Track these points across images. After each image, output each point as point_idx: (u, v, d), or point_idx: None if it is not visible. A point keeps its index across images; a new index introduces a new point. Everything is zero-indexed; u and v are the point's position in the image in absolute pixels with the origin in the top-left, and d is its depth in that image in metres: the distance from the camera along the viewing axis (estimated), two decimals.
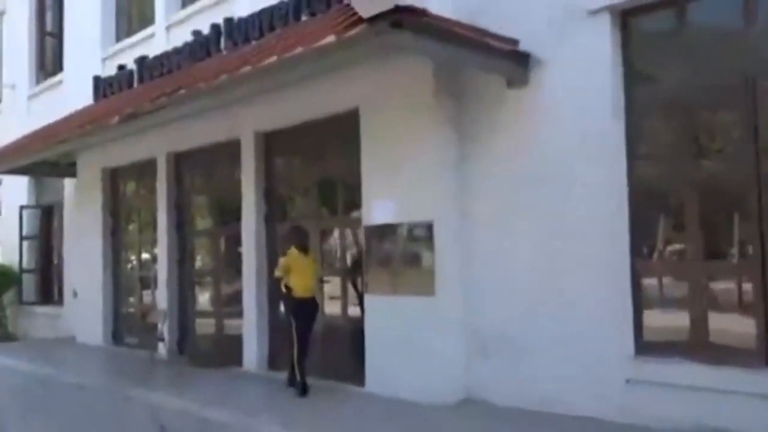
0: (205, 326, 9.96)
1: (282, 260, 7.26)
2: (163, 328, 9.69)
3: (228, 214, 9.67)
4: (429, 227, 6.64)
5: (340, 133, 7.78)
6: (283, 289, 7.15)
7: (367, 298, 7.22)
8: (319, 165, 8.35)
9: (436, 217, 6.64)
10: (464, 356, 6.60)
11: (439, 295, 6.58)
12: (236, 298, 9.20)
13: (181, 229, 10.35)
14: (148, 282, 11.25)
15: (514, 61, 6.23)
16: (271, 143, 8.76)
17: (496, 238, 6.49)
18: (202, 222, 10.43)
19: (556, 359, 5.97)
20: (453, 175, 6.72)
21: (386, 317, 6.98)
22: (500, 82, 6.44)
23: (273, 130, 8.60)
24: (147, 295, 11.29)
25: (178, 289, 10.29)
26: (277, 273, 7.23)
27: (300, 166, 8.90)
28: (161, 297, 10.34)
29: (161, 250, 10.39)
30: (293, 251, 7.20)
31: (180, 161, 10.36)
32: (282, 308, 7.50)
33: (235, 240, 9.31)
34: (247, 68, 6.29)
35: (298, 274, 7.07)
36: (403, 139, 6.93)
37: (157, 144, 10.34)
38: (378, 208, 7.10)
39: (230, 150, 9.15)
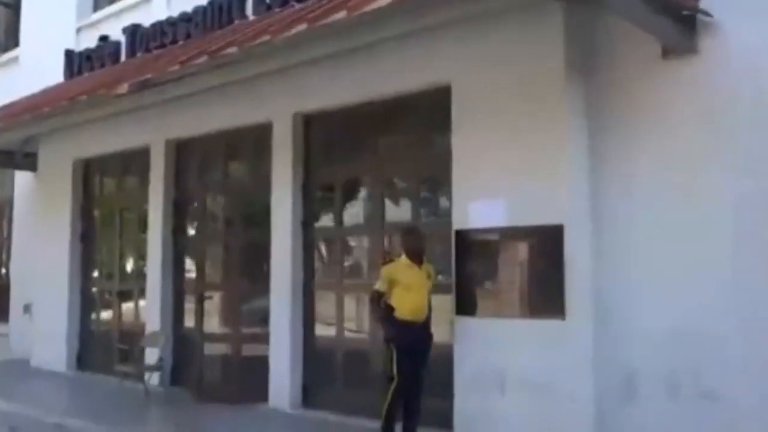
0: (213, 351, 8.16)
1: (384, 270, 5.54)
2: (162, 354, 7.85)
3: (248, 217, 7.99)
4: (557, 232, 5.22)
5: (422, 115, 6.29)
6: (382, 308, 5.44)
7: (458, 321, 5.72)
8: (381, 154, 6.80)
9: (567, 220, 5.23)
10: (601, 397, 5.17)
11: (571, 319, 5.16)
12: (257, 317, 7.52)
13: (180, 233, 8.55)
14: (129, 296, 9.36)
15: (681, 21, 4.93)
16: (316, 127, 7.16)
17: (643, 246, 5.15)
18: (210, 225, 8.62)
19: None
20: (584, 169, 5.34)
21: (486, 346, 5.51)
22: (650, 52, 5.14)
23: (320, 110, 6.99)
24: (128, 313, 9.37)
25: (174, 305, 8.47)
26: (377, 286, 5.49)
27: (358, 153, 7.11)
28: (151, 314, 8.48)
29: (153, 257, 8.54)
30: (402, 259, 5.52)
31: (182, 150, 8.57)
32: (383, 334, 5.59)
33: (256, 247, 7.64)
34: (341, 14, 4.70)
35: (406, 289, 5.37)
36: (516, 123, 5.51)
37: (151, 129, 8.54)
38: (478, 209, 5.63)
39: (257, 136, 7.50)
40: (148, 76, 6.10)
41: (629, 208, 5.24)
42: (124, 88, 6.28)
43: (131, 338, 8.77)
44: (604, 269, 5.26)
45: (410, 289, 5.36)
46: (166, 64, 6.17)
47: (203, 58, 5.56)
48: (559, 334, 5.18)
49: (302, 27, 4.88)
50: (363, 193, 7.04)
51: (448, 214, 5.93)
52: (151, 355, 8.06)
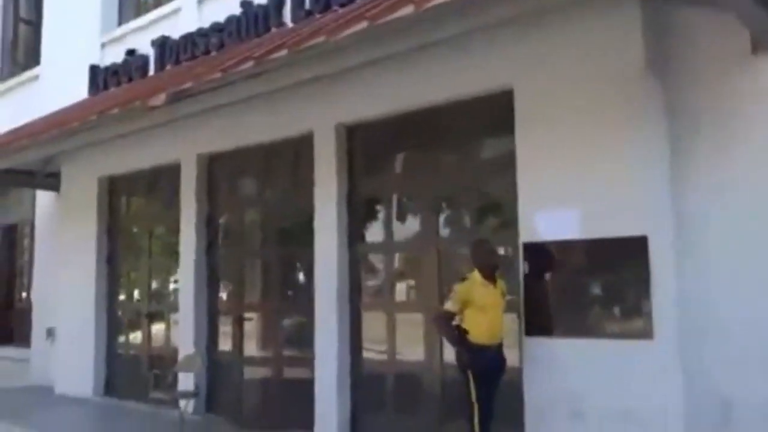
0: (253, 376, 7.73)
1: (460, 288, 4.99)
2: (197, 380, 7.43)
3: (289, 233, 7.59)
4: (641, 244, 4.79)
5: (479, 121, 5.91)
6: (455, 331, 4.96)
7: (527, 342, 5.28)
8: (432, 165, 6.40)
9: (651, 231, 4.81)
10: (691, 427, 4.71)
11: (659, 339, 4.72)
12: (300, 338, 7.11)
13: (214, 251, 8.14)
14: (159, 319, 8.96)
15: None
16: (362, 135, 6.76)
17: (732, 259, 4.71)
18: (247, 243, 8.20)
19: None
20: (666, 175, 4.92)
21: (560, 369, 5.06)
22: (737, 47, 4.74)
23: (366, 120, 6.61)
24: (158, 336, 8.96)
25: (209, 327, 8.06)
26: (449, 306, 4.99)
27: (408, 164, 6.71)
28: (184, 338, 8.08)
29: (185, 278, 8.14)
30: (476, 276, 5.01)
31: (214, 166, 8.20)
32: (457, 359, 5.01)
33: (298, 265, 7.26)
34: (409, 9, 4.30)
35: (481, 310, 4.87)
36: (587, 128, 5.11)
37: (182, 144, 8.19)
38: (548, 220, 5.22)
39: (296, 149, 7.14)
40: (188, 85, 5.72)
41: (716, 217, 4.81)
42: (161, 99, 5.91)
43: (162, 362, 8.36)
44: (691, 284, 4.81)
45: (485, 310, 4.89)
46: (205, 72, 5.80)
47: (249, 64, 5.18)
48: (645, 356, 4.73)
49: (363, 25, 4.50)
50: (414, 206, 6.62)
51: (511, 226, 5.52)
52: (185, 381, 7.64)
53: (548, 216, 5.21)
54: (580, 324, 5.05)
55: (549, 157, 5.25)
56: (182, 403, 7.19)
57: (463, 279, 5.05)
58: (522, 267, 5.33)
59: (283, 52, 4.96)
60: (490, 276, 5.00)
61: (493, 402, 4.91)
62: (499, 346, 4.98)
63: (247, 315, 7.79)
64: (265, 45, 5.37)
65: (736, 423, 4.61)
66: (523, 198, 5.38)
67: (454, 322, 4.96)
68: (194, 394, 7.31)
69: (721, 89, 4.86)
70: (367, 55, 5.15)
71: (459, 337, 4.93)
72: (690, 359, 4.73)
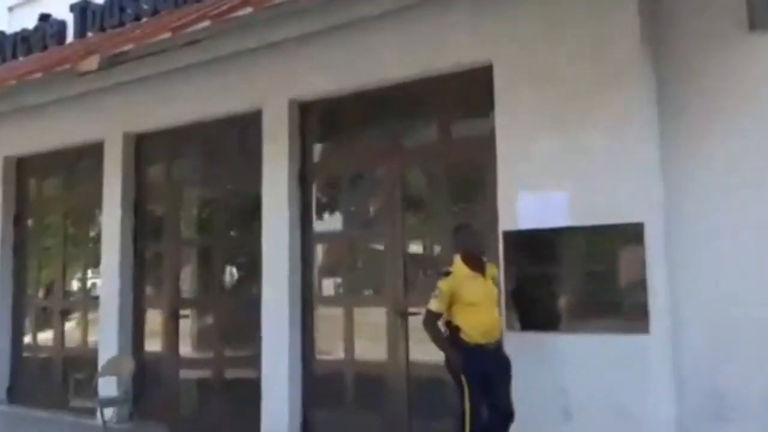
0: (190, 377, 6.96)
1: (441, 285, 4.31)
2: (125, 385, 6.61)
3: (230, 218, 6.91)
4: (636, 232, 4.47)
5: (453, 98, 5.47)
6: (443, 331, 4.35)
7: (510, 337, 4.85)
8: (398, 144, 5.87)
9: (647, 218, 4.50)
10: (684, 421, 4.45)
11: (656, 333, 4.42)
12: (243, 334, 6.46)
13: (143, 240, 7.33)
14: (76, 315, 8.03)
15: None
16: (315, 113, 6.18)
17: (724, 248, 4.47)
18: (181, 229, 7.40)
19: None
20: (657, 159, 4.63)
21: (546, 364, 4.69)
22: (733, 24, 4.51)
23: (321, 98, 6.04)
24: (75, 335, 8.02)
25: (134, 324, 7.24)
26: (433, 306, 4.32)
27: (369, 143, 6.12)
28: (106, 337, 7.22)
29: (108, 269, 7.28)
30: (460, 268, 4.38)
31: (144, 145, 7.39)
32: (448, 363, 4.40)
33: (243, 255, 6.62)
34: None
35: (472, 306, 4.27)
36: (572, 107, 4.76)
37: (105, 121, 7.35)
38: (530, 205, 4.83)
39: (242, 126, 6.48)
40: (129, 46, 4.96)
41: (706, 204, 4.57)
42: (93, 62, 5.10)
43: (79, 365, 7.52)
44: (680, 274, 4.56)
45: (476, 305, 4.29)
46: (151, 33, 5.06)
47: (205, 23, 4.52)
48: (637, 350, 4.43)
49: None
50: (376, 187, 6.09)
51: (489, 211, 5.10)
52: (108, 386, 6.77)
53: (530, 201, 4.82)
54: (554, 317, 4.70)
55: (529, 137, 4.86)
56: (108, 411, 6.38)
57: (446, 273, 4.37)
58: (502, 256, 4.92)
59: (248, 10, 4.32)
60: (477, 265, 4.43)
61: (510, 406, 4.34)
62: (498, 345, 4.44)
63: (182, 311, 7.02)
64: (225, 2, 4.70)
65: (729, 416, 4.39)
66: (502, 179, 4.97)
67: (442, 321, 4.39)
68: (123, 401, 6.50)
69: (715, 68, 4.62)
70: (327, 22, 4.62)
71: (451, 338, 4.35)
72: (683, 353, 4.48)
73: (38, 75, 5.73)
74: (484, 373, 4.26)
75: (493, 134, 5.04)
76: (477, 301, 4.31)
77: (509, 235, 4.92)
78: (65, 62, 5.50)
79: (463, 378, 4.21)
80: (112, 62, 5.19)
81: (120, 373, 6.50)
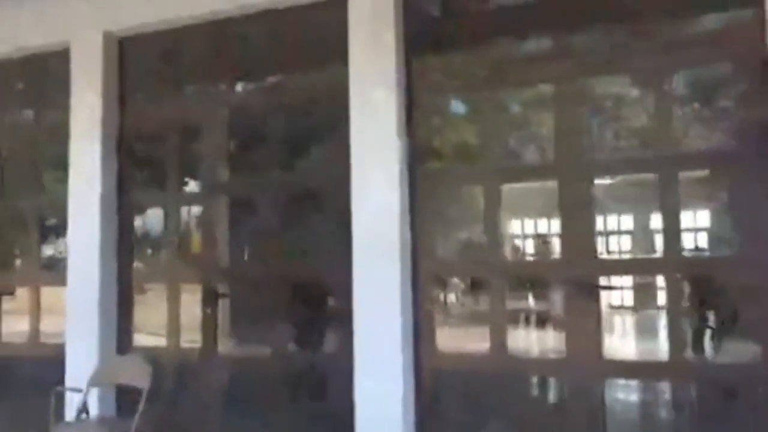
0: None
1: None
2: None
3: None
4: None
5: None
6: None
7: None
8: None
9: None
10: None
11: None
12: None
13: (127, 191, 5.18)
14: (22, 296, 5.77)
15: None
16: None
17: None
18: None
19: None
20: None
21: None
22: None
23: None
24: (21, 326, 5.72)
25: (119, 306, 5.07)
26: None
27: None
28: (75, 326, 5.00)
29: (75, 230, 5.07)
30: None
31: (128, 51, 5.20)
32: None
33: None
34: None
35: None
36: None
37: (75, 18, 5.14)
38: None
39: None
40: None
41: None
42: None
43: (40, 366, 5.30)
44: None
45: None
46: None
47: None
48: None
49: None
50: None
51: None
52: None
53: None
54: None
55: None
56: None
57: None
58: None
59: None
60: None
61: None
62: None
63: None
64: None
65: None
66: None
67: None
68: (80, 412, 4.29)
69: None
70: None
71: None
72: None
73: None
74: None
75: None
76: None
77: None
78: None
79: None
80: None
81: (140, 384, 4.16)
